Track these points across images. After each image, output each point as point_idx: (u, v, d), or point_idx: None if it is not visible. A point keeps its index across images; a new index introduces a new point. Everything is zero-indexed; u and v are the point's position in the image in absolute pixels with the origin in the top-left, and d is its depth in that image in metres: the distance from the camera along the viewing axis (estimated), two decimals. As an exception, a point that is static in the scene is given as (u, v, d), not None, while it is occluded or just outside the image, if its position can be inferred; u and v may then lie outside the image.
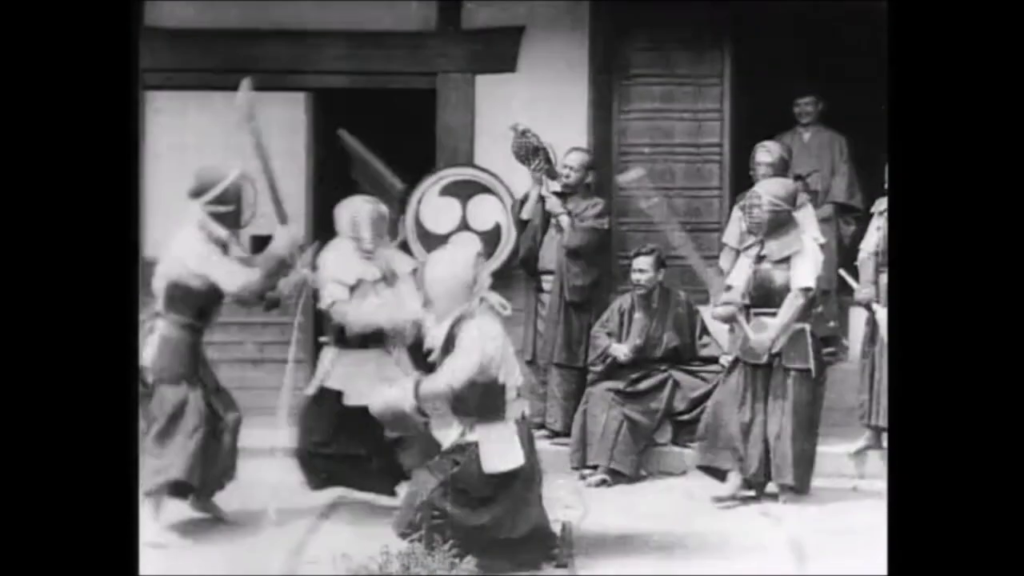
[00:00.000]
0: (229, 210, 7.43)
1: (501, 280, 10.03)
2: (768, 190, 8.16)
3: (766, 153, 9.14)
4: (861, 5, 8.17)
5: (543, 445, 9.20)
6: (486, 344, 6.43)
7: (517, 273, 9.88)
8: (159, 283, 7.40)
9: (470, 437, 6.56)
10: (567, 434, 8.98)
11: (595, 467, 8.66)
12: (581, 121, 10.05)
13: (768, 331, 7.93)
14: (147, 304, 7.27)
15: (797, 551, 7.03)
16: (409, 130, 10.34)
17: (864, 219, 9.25)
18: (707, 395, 8.56)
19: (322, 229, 9.96)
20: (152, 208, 10.04)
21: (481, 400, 6.51)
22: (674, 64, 10.05)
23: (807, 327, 8.02)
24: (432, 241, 10.03)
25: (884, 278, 8.60)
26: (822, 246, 9.15)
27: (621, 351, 8.80)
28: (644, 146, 10.08)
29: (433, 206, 10.04)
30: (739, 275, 8.14)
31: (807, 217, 9.13)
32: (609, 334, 8.88)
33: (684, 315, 8.96)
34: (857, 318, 9.22)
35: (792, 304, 7.95)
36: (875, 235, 8.70)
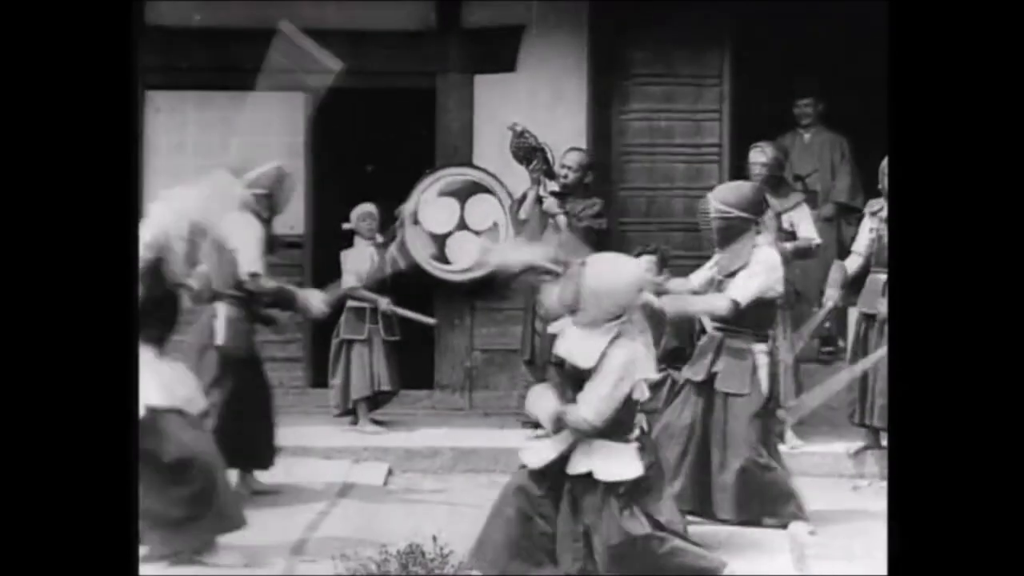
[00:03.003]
0: (263, 193, 7.89)
1: (499, 280, 10.10)
2: (716, 196, 7.44)
3: (760, 153, 9.13)
4: (861, 5, 8.16)
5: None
6: (634, 372, 5.95)
7: (516, 273, 9.89)
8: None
9: (585, 459, 6.03)
10: (566, 434, 8.97)
11: (594, 467, 8.65)
12: (580, 121, 10.06)
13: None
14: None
15: (797, 551, 7.03)
16: (408, 130, 10.35)
17: (867, 220, 9.25)
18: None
19: (321, 230, 9.99)
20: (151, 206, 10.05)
21: (612, 418, 5.99)
22: (674, 64, 10.05)
23: (755, 347, 7.33)
24: (431, 241, 10.04)
25: (870, 279, 8.60)
26: (818, 246, 9.18)
27: None
28: (643, 146, 10.08)
29: (432, 206, 10.04)
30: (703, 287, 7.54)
31: (802, 217, 9.14)
32: None
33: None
34: (853, 319, 9.21)
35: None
36: (867, 236, 8.67)
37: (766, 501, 7.32)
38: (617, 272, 6.07)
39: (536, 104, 9.98)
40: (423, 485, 8.58)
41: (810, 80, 10.71)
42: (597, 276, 5.99)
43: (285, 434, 8.19)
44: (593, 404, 5.92)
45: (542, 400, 6.09)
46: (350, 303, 9.68)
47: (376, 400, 9.65)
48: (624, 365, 5.93)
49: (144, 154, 9.99)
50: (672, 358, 8.95)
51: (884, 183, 8.35)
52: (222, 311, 7.78)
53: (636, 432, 6.08)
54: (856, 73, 10.31)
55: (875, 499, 7.77)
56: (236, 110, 10.28)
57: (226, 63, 10.07)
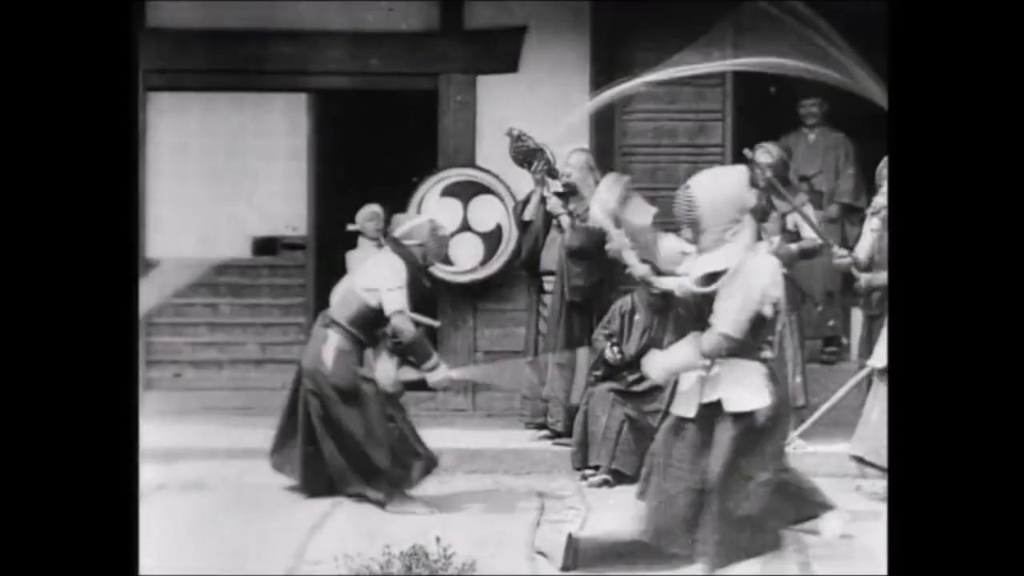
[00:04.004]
0: (416, 244, 8.03)
1: (502, 281, 10.10)
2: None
3: (765, 154, 9.11)
4: (861, 5, 8.16)
5: (544, 445, 9.24)
6: (762, 278, 5.88)
7: (519, 274, 9.89)
8: (338, 294, 8.07)
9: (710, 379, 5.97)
10: (569, 435, 8.98)
11: (597, 467, 8.64)
12: (583, 122, 10.05)
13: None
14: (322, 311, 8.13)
15: (799, 550, 7.02)
16: (410, 131, 10.36)
17: (870, 221, 9.25)
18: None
19: (325, 231, 10.00)
20: (152, 208, 10.07)
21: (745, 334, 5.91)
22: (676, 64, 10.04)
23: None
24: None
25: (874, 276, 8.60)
26: (822, 246, 9.17)
27: (611, 355, 8.77)
28: (646, 146, 10.08)
29: (434, 206, 10.04)
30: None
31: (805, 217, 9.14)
32: (609, 335, 8.86)
33: (685, 315, 8.90)
34: (857, 318, 9.22)
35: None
36: (869, 236, 8.65)
37: (793, 502, 7.29)
38: (724, 178, 6.11)
39: (538, 105, 9.98)
40: (426, 486, 8.56)
41: (815, 79, 10.70)
42: (709, 189, 5.98)
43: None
44: (729, 317, 5.86)
45: (671, 354, 6.08)
46: (353, 303, 9.68)
47: (380, 402, 9.65)
48: (753, 271, 5.89)
49: (147, 155, 10.01)
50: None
51: (882, 184, 8.36)
52: (333, 340, 7.92)
53: (768, 353, 6.01)
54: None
55: (876, 498, 7.76)
56: (238, 111, 10.32)
57: (228, 64, 10.10)
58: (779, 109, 10.56)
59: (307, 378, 7.96)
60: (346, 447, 7.90)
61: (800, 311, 9.26)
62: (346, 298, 7.99)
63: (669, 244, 6.58)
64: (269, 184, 10.35)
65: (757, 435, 5.96)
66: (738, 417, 5.97)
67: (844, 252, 8.60)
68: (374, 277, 7.97)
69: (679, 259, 6.29)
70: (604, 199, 7.13)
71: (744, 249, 5.90)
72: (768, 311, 5.92)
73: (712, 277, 5.90)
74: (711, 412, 6.03)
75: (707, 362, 5.95)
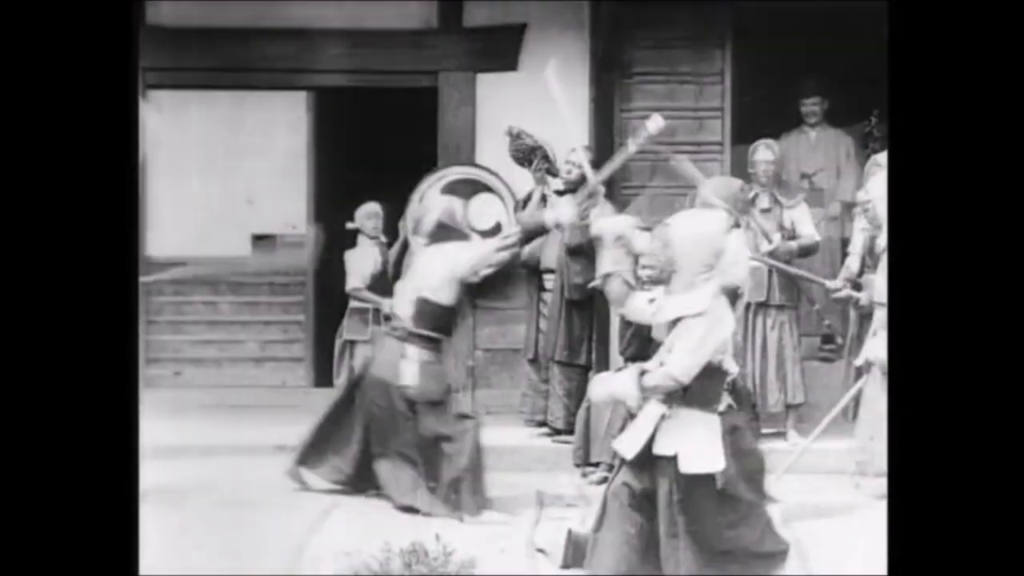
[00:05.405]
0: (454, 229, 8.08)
1: (502, 279, 10.10)
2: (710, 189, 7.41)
3: (768, 151, 9.13)
4: (862, 4, 8.16)
5: (544, 443, 9.24)
6: (724, 329, 5.89)
7: (519, 272, 9.89)
8: (405, 302, 7.91)
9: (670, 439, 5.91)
10: (569, 432, 8.98)
11: (597, 464, 8.65)
12: (582, 119, 10.06)
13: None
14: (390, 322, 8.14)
15: (798, 550, 7.02)
16: (410, 129, 10.37)
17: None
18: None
19: (324, 229, 10.00)
20: (152, 207, 10.08)
21: (698, 384, 5.89)
22: (675, 62, 10.04)
23: None
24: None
25: (865, 279, 8.62)
26: (817, 243, 9.22)
27: None
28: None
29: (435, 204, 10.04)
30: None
31: (803, 215, 9.16)
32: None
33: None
34: (852, 316, 9.23)
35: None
36: (860, 235, 8.71)
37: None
38: (705, 221, 6.11)
39: (537, 103, 9.97)
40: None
41: (817, 78, 10.71)
42: (688, 230, 5.96)
43: (289, 433, 8.22)
44: (683, 360, 5.81)
45: (613, 380, 6.01)
46: (353, 304, 9.69)
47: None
48: (717, 321, 5.88)
49: (146, 154, 10.01)
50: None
51: (868, 182, 8.47)
52: (413, 354, 7.83)
53: (723, 405, 5.96)
54: (858, 72, 10.31)
55: (875, 497, 7.77)
56: (238, 109, 10.33)
57: (227, 62, 10.11)
58: (780, 107, 10.57)
59: (374, 389, 7.87)
60: (424, 459, 7.86)
61: (798, 308, 9.28)
62: (419, 308, 7.86)
63: (639, 301, 6.35)
64: (269, 182, 10.36)
65: (713, 497, 5.91)
66: (693, 478, 5.89)
67: (838, 285, 8.65)
68: (435, 271, 7.89)
69: (645, 312, 6.19)
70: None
71: (711, 296, 5.87)
72: (725, 364, 5.92)
73: (679, 323, 5.89)
74: (661, 463, 5.94)
75: (639, 395, 5.90)
